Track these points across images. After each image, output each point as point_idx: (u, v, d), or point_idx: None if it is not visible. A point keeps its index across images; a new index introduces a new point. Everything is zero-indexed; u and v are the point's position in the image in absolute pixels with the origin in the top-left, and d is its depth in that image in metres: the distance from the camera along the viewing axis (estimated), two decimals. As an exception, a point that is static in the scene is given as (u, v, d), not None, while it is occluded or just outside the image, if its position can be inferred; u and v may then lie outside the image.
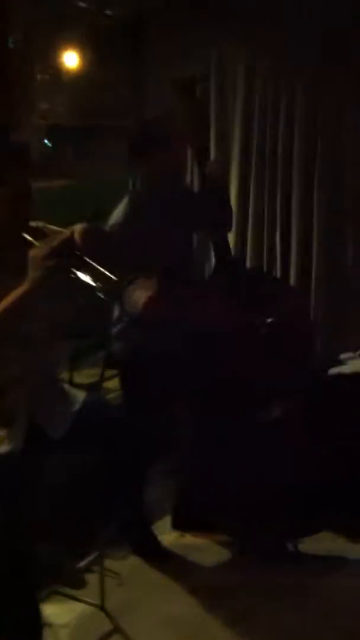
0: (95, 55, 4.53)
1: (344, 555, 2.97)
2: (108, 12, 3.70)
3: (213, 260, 3.80)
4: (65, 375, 3.03)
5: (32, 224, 2.41)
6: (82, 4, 3.47)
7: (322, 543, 2.98)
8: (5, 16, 2.68)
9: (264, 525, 2.94)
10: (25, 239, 2.23)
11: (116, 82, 4.38)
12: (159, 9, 3.68)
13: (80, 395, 2.46)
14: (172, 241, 2.80)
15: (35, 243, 2.18)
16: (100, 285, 2.10)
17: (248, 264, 3.65)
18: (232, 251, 3.25)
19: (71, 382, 2.76)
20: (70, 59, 4.67)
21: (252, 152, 3.67)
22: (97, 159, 4.84)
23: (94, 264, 2.13)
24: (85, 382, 3.18)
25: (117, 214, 2.82)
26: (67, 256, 2.14)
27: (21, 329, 2.29)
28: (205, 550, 3.07)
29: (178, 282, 2.83)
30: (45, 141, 4.71)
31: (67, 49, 4.55)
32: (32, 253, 2.14)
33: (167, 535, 3.13)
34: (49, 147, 4.75)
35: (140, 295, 2.65)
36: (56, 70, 4.74)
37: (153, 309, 2.66)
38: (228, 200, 2.99)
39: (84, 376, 3.34)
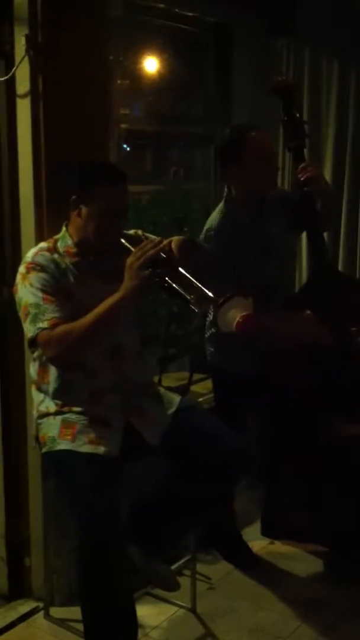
0: (178, 60, 4.54)
1: None
2: (191, 14, 3.69)
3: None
4: (155, 378, 3.05)
5: (131, 232, 2.46)
6: (162, 7, 3.47)
7: None
8: (109, 35, 2.74)
9: (355, 538, 2.89)
10: (123, 245, 2.27)
11: (199, 88, 4.39)
12: (247, 13, 3.66)
13: (176, 400, 2.48)
14: (266, 247, 2.78)
15: (132, 250, 2.21)
16: (193, 297, 2.12)
17: (341, 268, 3.59)
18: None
19: (161, 385, 2.77)
20: (151, 64, 4.68)
21: (346, 157, 3.61)
22: (178, 166, 4.87)
23: (188, 275, 2.15)
24: (173, 386, 3.20)
25: (212, 219, 2.81)
26: (163, 266, 2.16)
27: (115, 337, 2.33)
28: (294, 558, 3.06)
29: (273, 298, 2.82)
30: (124, 146, 4.75)
31: (147, 54, 4.57)
32: (128, 261, 2.18)
33: (256, 542, 3.13)
34: (127, 151, 4.80)
35: (234, 314, 2.63)
36: (136, 75, 4.77)
37: (247, 330, 2.64)
38: (325, 202, 2.91)
39: (172, 379, 3.37)
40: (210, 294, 2.10)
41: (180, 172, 4.63)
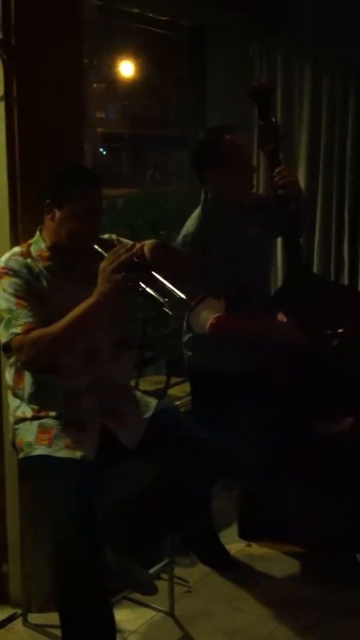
0: (152, 63, 4.55)
1: None
2: (165, 18, 3.70)
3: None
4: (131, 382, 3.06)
5: (105, 236, 2.46)
6: (136, 11, 3.47)
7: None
8: (83, 38, 2.73)
9: (332, 538, 2.91)
10: (96, 250, 2.27)
11: (174, 91, 4.40)
12: (222, 17, 3.68)
13: (152, 403, 2.48)
14: (245, 251, 2.79)
15: (105, 255, 2.21)
16: (167, 301, 2.12)
17: (315, 271, 3.61)
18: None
19: (138, 389, 2.77)
20: (126, 68, 4.69)
21: (320, 160, 3.64)
22: (154, 169, 4.88)
23: (162, 279, 2.15)
24: (150, 389, 3.19)
25: (190, 225, 2.81)
26: (137, 270, 2.16)
27: (90, 341, 2.33)
28: (272, 560, 3.06)
29: (251, 301, 2.83)
30: (101, 149, 4.76)
31: (122, 58, 4.58)
32: (101, 266, 2.17)
33: (234, 544, 3.13)
34: (104, 155, 4.80)
35: (207, 316, 2.64)
36: (111, 79, 4.77)
37: (220, 331, 2.64)
38: (300, 206, 2.93)
39: (149, 383, 3.37)
40: (183, 296, 2.10)
41: (156, 175, 4.64)
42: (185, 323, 2.87)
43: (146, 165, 4.92)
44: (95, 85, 4.76)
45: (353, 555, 2.95)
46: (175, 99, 4.49)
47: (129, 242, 2.32)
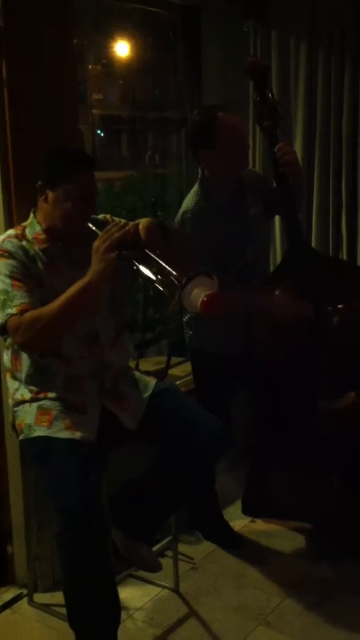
0: (148, 44, 4.51)
1: None
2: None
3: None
4: (131, 363, 3.06)
5: (99, 216, 2.45)
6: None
7: None
8: (74, 19, 2.71)
9: (336, 513, 2.92)
10: (90, 230, 2.26)
11: (171, 72, 4.37)
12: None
13: (151, 383, 2.49)
14: (244, 228, 2.78)
15: (99, 234, 2.20)
16: (160, 279, 2.11)
17: (314, 247, 3.59)
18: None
19: (138, 370, 2.78)
20: (122, 49, 4.64)
21: (316, 136, 3.62)
22: (152, 151, 4.86)
23: (155, 257, 2.14)
24: (151, 370, 3.20)
25: (188, 201, 2.80)
26: (130, 249, 2.15)
27: (91, 323, 2.33)
28: (277, 536, 3.08)
29: (251, 279, 2.81)
30: (98, 132, 4.73)
31: (117, 39, 4.52)
32: (95, 245, 2.17)
33: (238, 521, 3.15)
34: (102, 137, 4.78)
35: (198, 293, 2.61)
36: (108, 60, 4.73)
37: (212, 309, 2.60)
38: (299, 182, 2.91)
39: (150, 364, 3.37)
40: (174, 273, 2.09)
41: (155, 157, 4.62)
42: (182, 302, 2.87)
43: (145, 147, 4.90)
44: (91, 66, 4.74)
45: (358, 532, 2.95)
46: (172, 79, 4.45)
47: (123, 220, 2.31)
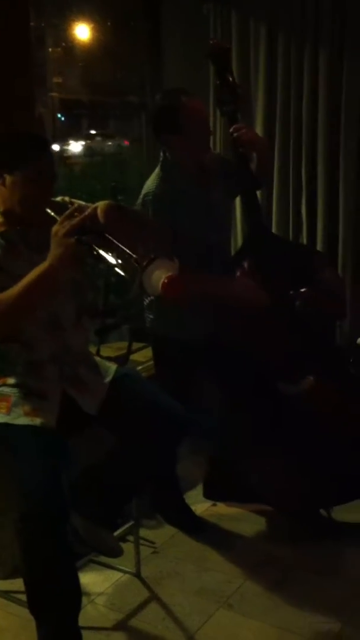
0: (108, 27, 4.47)
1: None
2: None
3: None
4: (92, 349, 3.05)
5: (58, 198, 2.42)
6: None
7: (356, 513, 2.98)
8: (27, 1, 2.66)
9: (296, 495, 2.95)
10: (49, 214, 2.23)
11: (131, 56, 4.34)
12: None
13: (112, 368, 2.48)
14: (206, 212, 2.77)
15: (58, 218, 2.17)
16: (120, 263, 2.09)
17: (274, 231, 3.61)
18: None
19: (99, 356, 2.76)
20: (83, 32, 4.59)
21: (276, 120, 3.62)
22: (113, 134, 4.83)
23: (114, 240, 2.11)
24: (112, 355, 3.19)
25: (150, 184, 2.78)
26: (90, 233, 2.12)
27: (51, 308, 2.31)
28: (238, 519, 3.10)
29: (213, 263, 2.81)
30: (59, 115, 4.69)
31: (77, 21, 4.48)
32: (54, 230, 2.14)
33: (199, 505, 3.16)
34: (62, 121, 4.73)
35: (159, 275, 2.59)
36: (68, 43, 4.68)
37: (173, 292, 2.56)
38: (262, 159, 2.91)
39: (112, 350, 3.36)
40: (134, 255, 2.08)
41: (114, 140, 4.59)
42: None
43: (101, 130, 4.87)
44: (51, 49, 4.68)
45: (318, 512, 2.99)
46: (133, 63, 4.42)
47: (82, 203, 2.28)
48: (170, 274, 2.51)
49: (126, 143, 4.75)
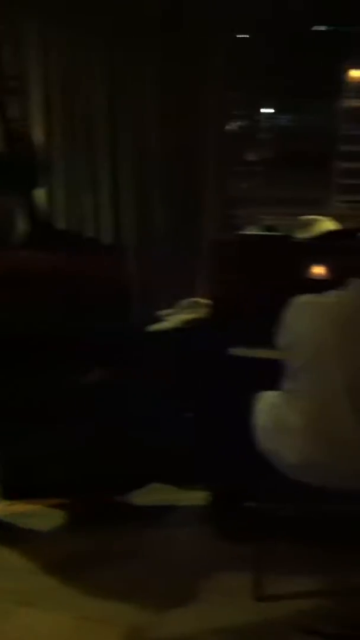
0: None
1: (175, 504, 3.09)
2: None
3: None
4: None
5: None
6: None
7: (153, 495, 3.04)
8: None
9: (92, 483, 2.94)
10: None
11: None
12: None
13: None
14: None
15: None
16: None
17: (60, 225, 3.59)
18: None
19: None
20: None
21: (53, 112, 3.59)
22: None
23: None
24: None
25: None
26: None
27: None
28: (34, 515, 3.05)
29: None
30: None
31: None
32: None
33: (-5, 505, 3.07)
34: None
35: None
36: None
37: None
38: (33, 157, 2.87)
39: None
40: None
41: None
42: None
43: None
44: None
45: (111, 499, 3.00)
46: None
47: None
48: None
49: None
